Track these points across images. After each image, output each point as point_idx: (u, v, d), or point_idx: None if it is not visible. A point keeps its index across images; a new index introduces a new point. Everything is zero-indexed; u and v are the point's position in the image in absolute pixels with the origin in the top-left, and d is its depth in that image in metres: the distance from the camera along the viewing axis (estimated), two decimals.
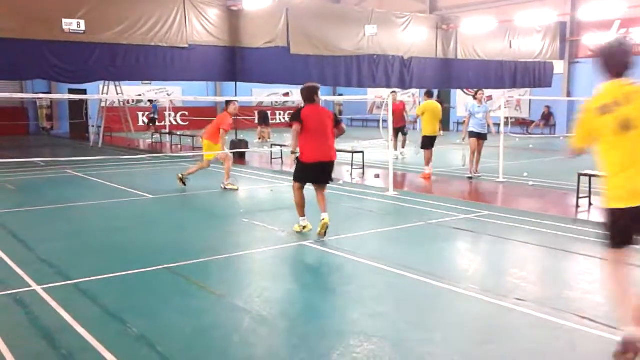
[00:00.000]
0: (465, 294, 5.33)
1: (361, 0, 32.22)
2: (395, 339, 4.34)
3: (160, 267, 6.13)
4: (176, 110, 31.62)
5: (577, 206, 9.46)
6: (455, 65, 20.61)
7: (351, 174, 13.48)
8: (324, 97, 27.39)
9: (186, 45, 15.62)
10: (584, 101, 4.30)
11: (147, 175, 13.34)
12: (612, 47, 4.35)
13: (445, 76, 20.60)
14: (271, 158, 16.59)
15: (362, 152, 14.20)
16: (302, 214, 7.64)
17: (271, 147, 17.21)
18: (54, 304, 5.03)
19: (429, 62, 19.95)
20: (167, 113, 28.88)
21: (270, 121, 26.56)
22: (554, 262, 6.58)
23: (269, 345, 4.25)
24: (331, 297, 5.32)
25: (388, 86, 18.69)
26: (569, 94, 25.66)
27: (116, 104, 26.17)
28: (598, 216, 8.95)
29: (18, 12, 13.24)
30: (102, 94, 23.04)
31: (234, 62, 16.79)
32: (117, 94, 23.16)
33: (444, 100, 30.98)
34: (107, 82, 22.69)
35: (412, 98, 32.33)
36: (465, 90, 28.79)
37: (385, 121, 12.22)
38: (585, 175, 9.77)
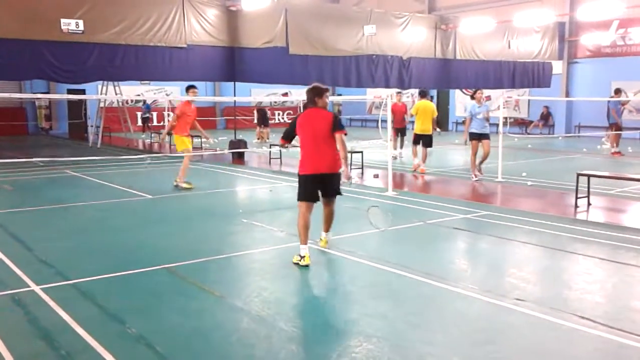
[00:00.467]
0: (464, 294, 5.33)
1: (360, 0, 32.23)
2: (395, 339, 4.34)
3: (160, 267, 6.13)
4: (175, 110, 31.58)
5: (576, 206, 9.47)
6: (454, 66, 20.62)
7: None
8: None
9: (185, 46, 15.62)
10: None
11: (146, 176, 13.33)
12: None
13: (444, 76, 20.62)
14: (270, 158, 16.59)
15: (361, 152, 14.20)
16: (304, 241, 6.29)
17: (270, 148, 17.21)
18: (53, 304, 5.02)
19: (428, 62, 19.96)
20: (165, 113, 28.85)
21: (269, 121, 26.48)
22: (553, 262, 6.58)
23: (268, 345, 4.24)
24: (330, 297, 5.32)
25: (387, 86, 18.70)
26: (567, 94, 25.69)
27: (115, 104, 26.16)
28: (597, 216, 8.98)
29: (17, 12, 13.23)
30: (101, 94, 23.03)
31: (232, 62, 16.80)
32: (116, 94, 23.16)
33: (443, 101, 31.13)
34: (105, 82, 22.67)
35: (411, 98, 32.34)
36: (464, 90, 28.82)
37: (384, 121, 12.22)
38: (584, 175, 9.78)
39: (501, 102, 14.10)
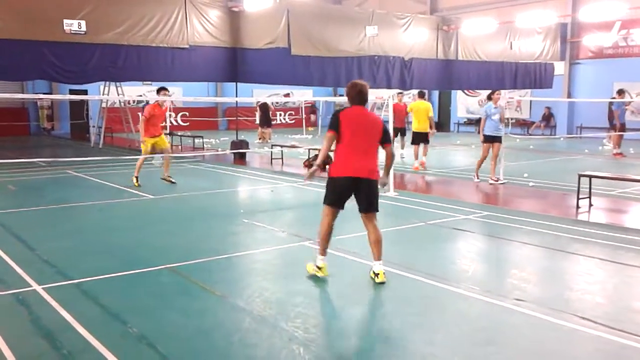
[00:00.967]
0: (465, 295, 5.34)
1: (362, 1, 32.24)
2: (396, 339, 4.35)
3: (161, 267, 6.15)
4: (177, 110, 31.63)
5: (578, 207, 9.47)
6: (455, 66, 20.61)
7: None
8: (324, 97, 27.54)
9: (187, 46, 15.63)
10: None
11: (147, 176, 13.33)
12: None
13: (446, 77, 20.60)
14: (271, 159, 16.60)
15: None
16: (323, 252, 5.82)
17: (272, 148, 17.22)
18: (55, 304, 5.04)
19: (430, 63, 19.95)
20: (167, 114, 28.87)
21: (272, 121, 26.39)
22: (554, 262, 6.58)
23: (270, 345, 4.26)
24: (332, 297, 5.33)
25: (389, 87, 18.70)
26: (569, 95, 25.68)
27: (117, 105, 26.20)
28: (598, 217, 8.98)
29: (19, 13, 13.25)
30: (103, 94, 23.06)
31: (234, 62, 16.81)
32: (118, 94, 23.19)
33: (444, 102, 31.11)
34: (107, 83, 22.70)
35: (412, 98, 32.35)
36: (466, 91, 28.83)
37: (385, 122, 12.24)
38: (586, 176, 9.78)
39: (503, 103, 14.09)
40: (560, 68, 24.89)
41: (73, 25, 13.72)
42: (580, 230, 7.90)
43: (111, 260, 6.49)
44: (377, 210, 5.77)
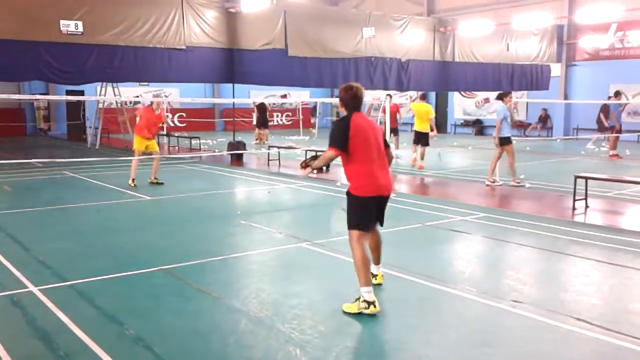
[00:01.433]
0: (462, 296, 5.34)
1: (359, 2, 32.27)
2: (392, 341, 4.35)
3: (158, 268, 6.14)
4: (174, 111, 31.62)
5: (574, 208, 9.49)
6: (452, 68, 20.66)
7: None
8: (322, 99, 27.51)
9: (184, 47, 15.63)
10: None
11: (144, 177, 13.32)
12: None
13: (443, 78, 20.64)
14: (269, 160, 16.60)
15: None
16: (369, 282, 4.94)
17: (269, 149, 17.22)
18: (51, 305, 5.03)
19: (427, 65, 20.00)
20: (164, 115, 28.82)
21: (269, 122, 26.35)
22: (551, 264, 6.59)
23: (266, 346, 4.25)
24: (328, 298, 5.33)
25: (386, 88, 18.73)
26: (565, 97, 25.73)
27: (113, 105, 26.16)
28: (594, 218, 9.00)
29: (16, 13, 13.24)
30: (100, 95, 23.04)
31: (231, 63, 16.82)
32: (115, 95, 23.16)
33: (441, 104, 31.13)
34: (104, 84, 22.68)
35: (409, 100, 32.36)
36: (462, 92, 28.86)
37: (382, 123, 12.27)
38: (582, 177, 9.80)
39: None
40: (556, 70, 24.95)
41: (70, 26, 13.72)
42: (577, 232, 7.91)
43: (108, 261, 6.48)
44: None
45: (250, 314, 4.88)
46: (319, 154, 14.59)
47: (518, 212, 9.40)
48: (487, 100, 29.19)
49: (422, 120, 14.94)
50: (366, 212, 5.04)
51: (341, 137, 4.90)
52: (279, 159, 16.41)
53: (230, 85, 19.17)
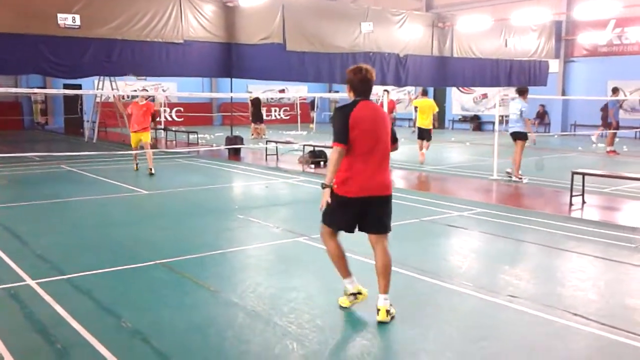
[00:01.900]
0: (458, 291, 5.36)
1: None
2: (389, 335, 4.37)
3: (155, 262, 6.15)
4: (171, 106, 31.57)
5: (571, 204, 9.51)
6: (450, 63, 20.66)
7: None
8: (320, 94, 27.49)
9: (181, 41, 15.60)
10: None
11: (141, 171, 13.32)
12: None
13: (441, 74, 20.65)
14: (266, 154, 16.60)
15: None
16: (347, 274, 4.78)
17: (266, 144, 17.21)
18: (48, 298, 5.03)
19: (425, 60, 20.00)
20: (162, 109, 28.82)
21: (265, 117, 26.28)
22: (547, 259, 6.62)
23: (263, 340, 4.27)
24: (325, 293, 5.34)
25: (384, 83, 18.73)
26: (563, 93, 25.75)
27: (111, 99, 26.11)
28: (591, 214, 9.03)
29: (13, 6, 13.20)
30: (97, 89, 22.99)
31: (229, 58, 16.79)
32: (112, 89, 23.12)
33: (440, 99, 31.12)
34: (102, 78, 22.63)
35: (407, 95, 32.34)
36: (460, 88, 28.86)
37: None
38: (579, 173, 9.83)
39: (497, 101, 14.16)
40: (554, 66, 24.96)
41: (67, 20, 13.68)
42: (573, 228, 7.94)
43: (105, 255, 6.49)
44: (389, 230, 4.75)
45: (247, 308, 4.89)
46: (317, 149, 14.63)
47: (515, 207, 9.42)
48: (485, 96, 29.21)
49: (426, 116, 15.07)
50: (342, 214, 4.56)
51: (343, 129, 4.41)
52: (277, 154, 16.40)
53: (228, 79, 19.14)
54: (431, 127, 15.12)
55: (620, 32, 23.84)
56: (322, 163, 14.33)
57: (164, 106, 29.62)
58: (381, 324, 4.51)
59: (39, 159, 15.34)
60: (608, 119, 17.98)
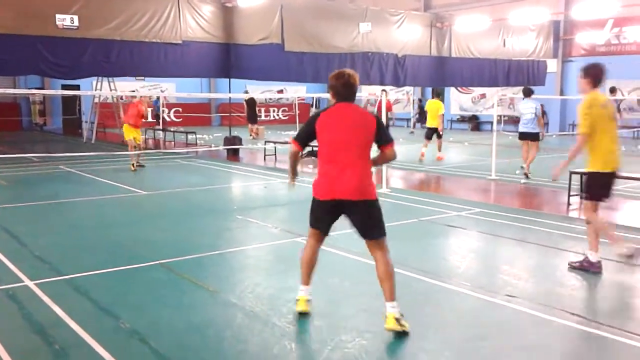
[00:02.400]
0: (457, 290, 5.37)
1: None
2: (388, 335, 4.37)
3: (154, 262, 6.15)
4: (170, 106, 31.56)
5: (569, 204, 9.53)
6: (449, 63, 20.67)
7: None
8: (318, 94, 27.55)
9: (180, 42, 15.59)
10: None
11: (140, 172, 13.32)
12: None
13: (439, 74, 20.66)
14: (265, 155, 16.60)
15: None
16: (305, 281, 4.80)
17: (265, 144, 17.22)
18: (47, 299, 5.03)
19: (423, 60, 20.01)
20: (160, 109, 28.82)
21: (260, 117, 26.19)
22: (545, 259, 6.63)
23: (262, 340, 4.27)
24: (324, 293, 5.34)
25: (382, 83, 18.73)
26: (561, 93, 25.77)
27: (109, 100, 26.11)
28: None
29: (11, 7, 13.19)
30: (96, 89, 22.97)
31: (228, 58, 16.78)
32: (111, 89, 23.11)
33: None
34: (100, 78, 22.62)
35: (406, 95, 32.36)
36: (459, 88, 28.88)
37: None
38: (577, 173, 9.83)
39: (495, 100, 14.17)
40: (552, 65, 24.98)
41: (65, 20, 13.67)
42: (571, 227, 7.95)
43: (104, 255, 6.48)
44: (383, 235, 4.59)
45: (246, 308, 4.89)
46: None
47: (513, 207, 9.43)
48: (483, 96, 29.23)
49: (432, 117, 15.76)
50: (315, 215, 4.63)
51: (304, 129, 4.57)
52: (275, 154, 16.40)
53: (227, 80, 19.14)
54: (437, 126, 15.62)
55: (619, 32, 23.88)
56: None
57: (163, 106, 29.57)
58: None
59: (38, 160, 15.33)
60: None
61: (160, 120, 27.79)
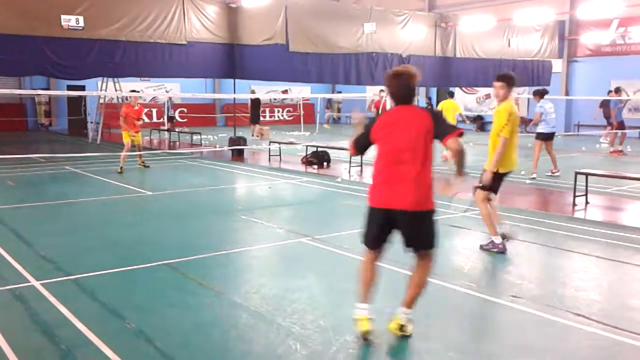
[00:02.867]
0: (461, 291, 5.37)
1: None
2: (392, 336, 4.37)
3: (159, 263, 6.17)
4: (175, 107, 31.56)
5: (574, 204, 9.50)
6: (453, 64, 20.66)
7: (349, 172, 13.52)
8: (322, 95, 27.54)
9: (185, 42, 15.65)
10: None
11: (145, 172, 13.36)
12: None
13: (444, 74, 20.66)
14: (269, 155, 16.61)
15: None
16: (364, 298, 4.30)
17: (270, 145, 17.23)
18: (53, 299, 5.06)
19: (428, 60, 20.00)
20: (165, 110, 28.83)
21: (264, 117, 26.19)
22: (550, 259, 6.62)
23: (266, 341, 4.28)
24: (328, 293, 5.36)
25: None
26: (567, 93, 25.71)
27: (114, 101, 26.18)
28: (594, 214, 9.02)
29: (17, 8, 13.26)
30: (101, 90, 23.05)
31: (232, 59, 16.83)
32: (116, 90, 23.18)
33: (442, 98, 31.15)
34: (105, 79, 22.69)
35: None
36: (464, 88, 28.83)
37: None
38: (582, 173, 9.82)
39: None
40: (558, 66, 24.93)
41: (71, 21, 13.74)
42: (577, 228, 7.93)
43: (109, 256, 6.51)
44: (432, 247, 4.43)
45: (251, 309, 4.91)
46: (319, 150, 14.65)
47: (518, 207, 9.41)
48: (488, 96, 29.16)
49: (449, 117, 15.93)
50: (369, 225, 4.33)
51: (360, 136, 4.33)
52: (280, 155, 16.42)
53: (231, 80, 19.18)
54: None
55: (624, 32, 23.80)
56: (324, 164, 14.37)
57: (170, 108, 29.62)
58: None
59: (44, 160, 15.38)
60: (610, 119, 17.95)
61: (172, 122, 27.78)
